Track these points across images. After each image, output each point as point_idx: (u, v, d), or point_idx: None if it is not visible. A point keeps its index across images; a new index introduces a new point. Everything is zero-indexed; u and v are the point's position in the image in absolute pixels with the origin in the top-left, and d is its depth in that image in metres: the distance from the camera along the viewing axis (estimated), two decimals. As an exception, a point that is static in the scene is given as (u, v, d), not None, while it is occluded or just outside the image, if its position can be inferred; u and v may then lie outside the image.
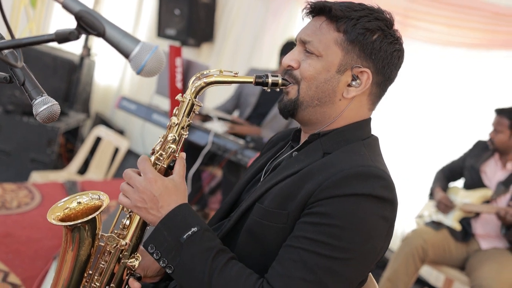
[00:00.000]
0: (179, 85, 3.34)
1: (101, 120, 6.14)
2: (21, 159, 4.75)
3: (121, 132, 6.09)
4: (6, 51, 1.12)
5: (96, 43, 6.05)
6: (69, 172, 4.91)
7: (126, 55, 0.95)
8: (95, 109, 6.31)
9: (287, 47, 4.21)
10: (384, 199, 1.16)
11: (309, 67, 1.29)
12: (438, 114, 4.38)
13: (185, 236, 1.18)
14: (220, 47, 5.60)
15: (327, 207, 1.14)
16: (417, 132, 4.43)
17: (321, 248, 1.13)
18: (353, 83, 1.29)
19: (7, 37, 1.32)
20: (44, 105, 1.24)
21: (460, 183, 3.69)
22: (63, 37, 0.94)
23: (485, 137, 3.64)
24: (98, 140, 5.21)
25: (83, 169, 5.15)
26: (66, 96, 5.28)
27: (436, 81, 4.39)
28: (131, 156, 5.41)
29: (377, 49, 1.27)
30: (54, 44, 4.57)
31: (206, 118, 3.76)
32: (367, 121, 1.36)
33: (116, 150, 5.18)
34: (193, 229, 1.19)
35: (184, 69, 3.35)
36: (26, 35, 5.85)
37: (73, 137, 5.53)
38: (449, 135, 4.31)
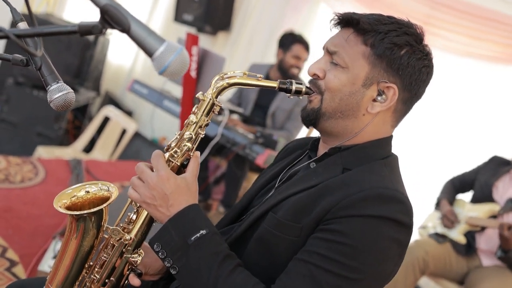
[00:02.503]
0: (193, 73, 3.31)
1: (110, 100, 6.12)
2: (28, 132, 4.74)
3: (129, 113, 6.06)
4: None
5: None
6: (75, 150, 4.90)
7: (149, 54, 0.92)
8: (106, 88, 6.28)
9: (286, 39, 4.18)
10: (401, 223, 1.14)
11: (334, 79, 1.25)
12: (450, 124, 4.34)
13: (193, 238, 1.16)
14: (236, 37, 5.55)
15: (343, 226, 1.12)
16: (426, 140, 4.40)
17: (332, 266, 1.11)
18: (379, 98, 1.25)
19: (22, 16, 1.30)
20: (59, 92, 1.22)
21: (466, 196, 3.65)
22: (86, 30, 0.90)
23: (498, 151, 3.60)
24: (106, 119, 5.19)
25: (88, 148, 5.13)
26: (77, 73, 5.24)
27: (451, 91, 4.34)
28: (138, 139, 5.39)
29: (405, 64, 1.23)
30: (70, 19, 4.48)
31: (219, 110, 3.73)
32: (389, 138, 1.33)
33: (124, 132, 5.16)
34: (201, 232, 1.17)
35: (199, 58, 3.32)
36: (43, 8, 5.82)
37: (82, 114, 5.51)
38: (460, 146, 4.27)
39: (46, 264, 2.68)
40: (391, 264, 1.17)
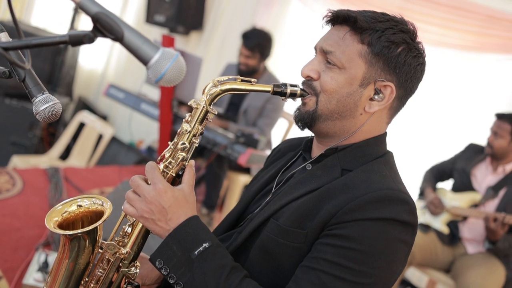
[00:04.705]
0: (170, 75, 3.25)
1: (84, 105, 6.02)
2: (1, 142, 4.63)
3: (104, 117, 5.97)
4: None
5: (83, 25, 5.89)
6: (51, 158, 4.80)
7: (144, 62, 0.89)
8: (78, 93, 6.18)
9: (246, 38, 4.13)
10: (407, 224, 1.13)
11: (331, 80, 1.23)
12: (428, 114, 4.37)
13: (196, 252, 1.12)
14: (209, 36, 5.51)
15: (350, 230, 1.10)
16: (406, 131, 4.42)
17: (341, 272, 1.09)
18: (376, 97, 1.24)
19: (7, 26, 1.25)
20: (46, 103, 1.18)
21: (447, 184, 3.68)
22: (77, 39, 0.87)
23: (475, 138, 3.63)
24: (81, 125, 5.09)
25: (64, 155, 5.03)
26: (49, 79, 5.15)
27: (426, 81, 4.36)
28: (114, 143, 5.31)
29: (402, 62, 1.22)
30: (39, 25, 4.36)
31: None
32: (384, 136, 1.32)
33: (100, 137, 5.07)
34: (204, 245, 1.13)
35: (176, 59, 3.27)
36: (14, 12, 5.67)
37: (56, 121, 5.40)
38: (439, 136, 4.31)
39: (31, 277, 2.61)
40: (399, 265, 1.16)
